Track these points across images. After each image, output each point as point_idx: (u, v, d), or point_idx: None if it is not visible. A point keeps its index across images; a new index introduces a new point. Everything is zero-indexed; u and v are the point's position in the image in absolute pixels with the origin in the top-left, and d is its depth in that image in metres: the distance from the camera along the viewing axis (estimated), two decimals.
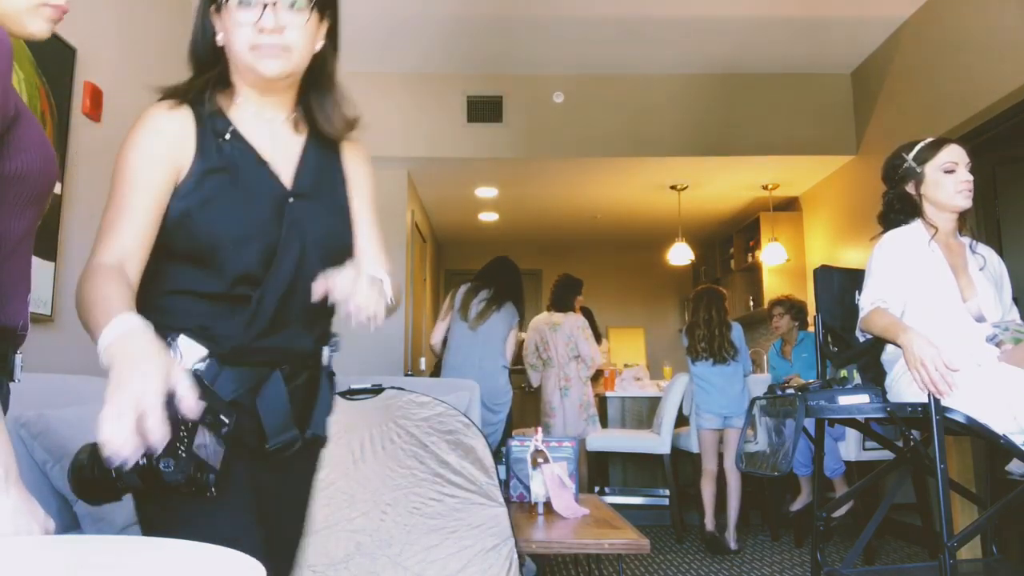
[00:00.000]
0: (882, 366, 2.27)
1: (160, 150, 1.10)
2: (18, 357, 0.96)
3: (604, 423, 5.20)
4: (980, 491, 2.56)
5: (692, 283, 7.92)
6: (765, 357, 5.64)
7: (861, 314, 2.21)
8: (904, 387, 2.11)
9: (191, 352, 1.05)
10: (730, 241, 7.15)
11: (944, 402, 1.97)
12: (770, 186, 5.87)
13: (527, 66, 4.85)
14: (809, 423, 2.38)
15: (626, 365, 6.36)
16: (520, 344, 4.74)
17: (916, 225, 2.24)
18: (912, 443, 2.12)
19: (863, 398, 2.14)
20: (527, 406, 6.72)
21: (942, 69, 3.97)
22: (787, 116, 4.99)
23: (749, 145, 5.01)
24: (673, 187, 5.88)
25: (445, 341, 4.16)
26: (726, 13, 4.26)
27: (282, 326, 1.12)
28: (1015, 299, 2.29)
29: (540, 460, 2.77)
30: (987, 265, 2.24)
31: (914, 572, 2.57)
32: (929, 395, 1.96)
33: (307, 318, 1.15)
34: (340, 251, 1.18)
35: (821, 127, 5.01)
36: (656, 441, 4.44)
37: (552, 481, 2.72)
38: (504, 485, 2.73)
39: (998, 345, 2.06)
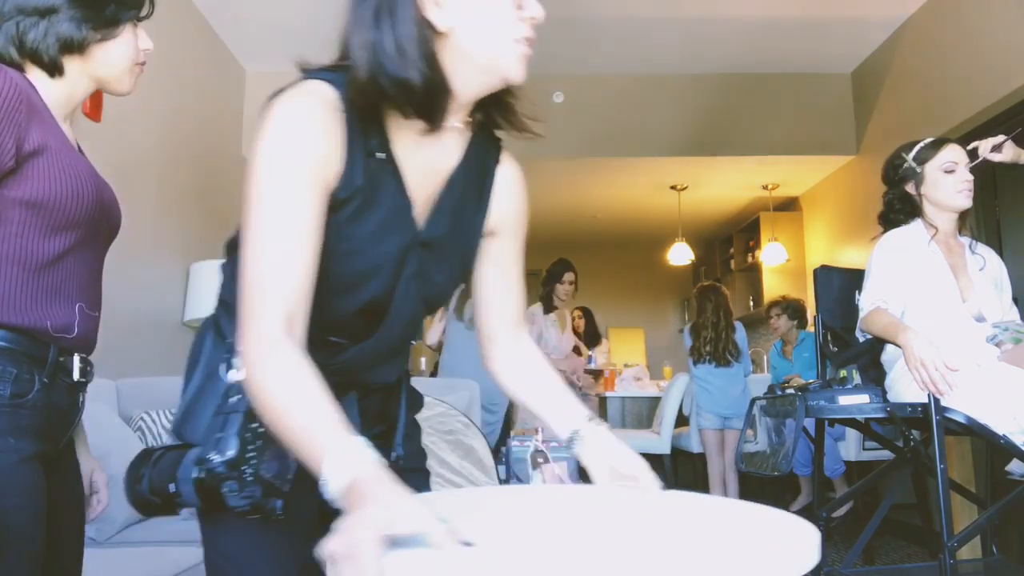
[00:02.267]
0: (882, 366, 2.27)
1: (314, 161, 0.83)
2: (75, 358, 1.15)
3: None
4: (980, 491, 2.56)
5: (692, 283, 7.92)
6: (765, 357, 5.64)
7: (861, 314, 2.21)
8: (904, 387, 2.11)
9: None
10: (730, 241, 7.16)
11: (944, 402, 1.96)
12: (770, 186, 5.87)
13: (526, 66, 4.83)
14: (809, 423, 2.38)
15: (626, 365, 6.36)
16: None
17: (916, 225, 2.24)
18: (912, 443, 2.12)
19: (863, 398, 2.14)
20: None
21: (942, 69, 3.97)
22: (787, 116, 4.99)
23: (749, 145, 5.01)
24: (673, 187, 5.88)
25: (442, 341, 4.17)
26: (726, 14, 4.26)
27: (369, 368, 0.98)
28: (1015, 299, 2.29)
29: (540, 460, 2.77)
30: (987, 265, 2.24)
31: (914, 572, 2.57)
32: (929, 395, 1.96)
33: (396, 355, 1.02)
34: (446, 299, 1.01)
35: (821, 127, 5.00)
36: (656, 441, 4.44)
37: (552, 481, 2.72)
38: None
39: (998, 345, 2.06)
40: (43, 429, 1.10)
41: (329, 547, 0.62)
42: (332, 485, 0.68)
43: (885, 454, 3.55)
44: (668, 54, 4.76)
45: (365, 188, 0.87)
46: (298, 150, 0.81)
